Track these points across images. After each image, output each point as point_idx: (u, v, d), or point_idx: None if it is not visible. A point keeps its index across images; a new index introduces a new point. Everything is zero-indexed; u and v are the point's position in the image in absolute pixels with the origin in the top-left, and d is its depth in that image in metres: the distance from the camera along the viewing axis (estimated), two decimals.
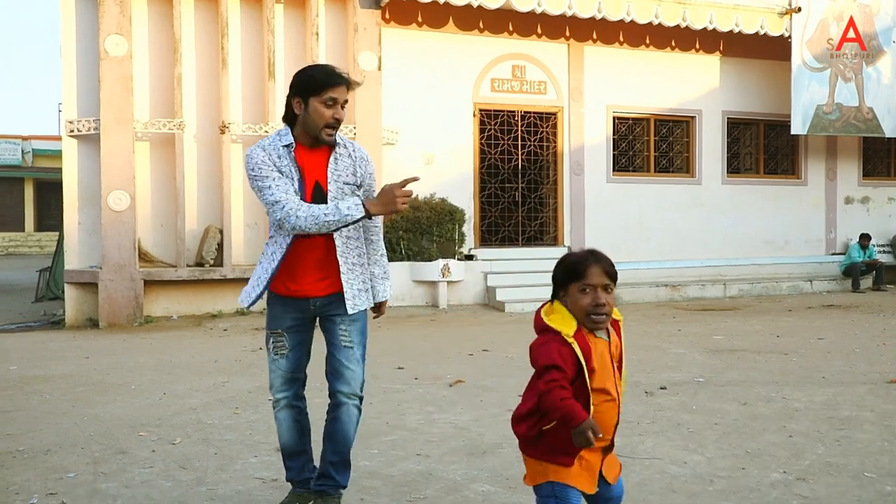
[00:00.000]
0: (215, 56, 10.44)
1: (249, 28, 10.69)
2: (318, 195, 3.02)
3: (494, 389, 5.58)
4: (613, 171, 12.84)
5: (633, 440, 4.23)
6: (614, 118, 12.86)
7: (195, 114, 10.48)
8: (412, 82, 11.57)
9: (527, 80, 12.26)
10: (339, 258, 3.05)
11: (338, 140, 3.06)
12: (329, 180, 3.03)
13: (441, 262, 10.90)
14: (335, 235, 3.03)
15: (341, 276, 3.06)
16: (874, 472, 3.60)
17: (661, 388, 5.52)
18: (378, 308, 3.29)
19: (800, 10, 12.65)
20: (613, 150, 12.87)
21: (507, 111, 12.22)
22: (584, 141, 12.56)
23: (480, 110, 12.06)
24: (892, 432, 4.28)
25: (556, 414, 2.18)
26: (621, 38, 12.61)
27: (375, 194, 3.10)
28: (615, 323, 2.38)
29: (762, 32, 12.50)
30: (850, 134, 13.63)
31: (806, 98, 12.91)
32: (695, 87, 13.25)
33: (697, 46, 13.07)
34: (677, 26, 12.10)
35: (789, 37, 12.66)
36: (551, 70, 12.38)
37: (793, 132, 13.05)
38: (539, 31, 12.17)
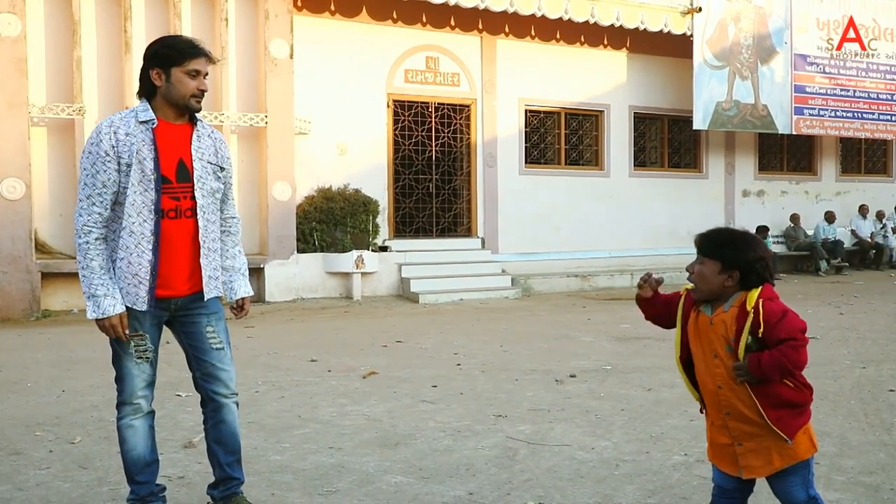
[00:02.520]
0: (118, 39, 10.02)
1: (155, 11, 10.30)
2: (182, 173, 2.87)
3: (408, 380, 5.60)
4: (525, 163, 13.04)
5: (543, 427, 4.32)
6: (526, 111, 13.06)
7: (97, 99, 10.04)
8: (325, 72, 11.42)
9: (440, 71, 12.30)
10: (200, 240, 2.91)
11: (199, 117, 2.99)
12: (193, 158, 2.90)
13: (355, 253, 10.83)
14: (199, 216, 2.90)
15: (200, 259, 2.91)
16: None
17: (571, 376, 5.67)
18: (241, 306, 3.17)
19: (700, 10, 13.15)
20: (525, 143, 13.07)
21: (421, 102, 12.23)
22: (497, 133, 12.70)
23: (394, 101, 12.03)
24: None
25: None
26: (533, 33, 12.80)
27: (230, 182, 3.10)
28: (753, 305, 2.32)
29: (666, 30, 12.93)
30: (746, 130, 14.29)
31: (706, 95, 13.45)
32: (603, 82, 13.60)
33: (605, 42, 13.41)
34: (586, 22, 12.38)
35: (691, 35, 13.15)
36: (464, 62, 12.45)
37: (695, 127, 13.58)
38: (452, 23, 12.22)
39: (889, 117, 15.55)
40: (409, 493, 3.32)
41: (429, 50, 12.23)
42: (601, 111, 13.64)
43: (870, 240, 15.52)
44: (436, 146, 12.38)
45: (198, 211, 2.90)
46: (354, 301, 10.74)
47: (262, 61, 10.59)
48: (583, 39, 13.23)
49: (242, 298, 3.17)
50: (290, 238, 10.71)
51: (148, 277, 2.85)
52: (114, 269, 2.85)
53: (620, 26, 12.64)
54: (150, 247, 2.84)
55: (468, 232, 12.64)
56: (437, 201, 12.47)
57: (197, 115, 2.97)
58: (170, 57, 2.84)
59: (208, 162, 2.95)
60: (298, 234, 10.89)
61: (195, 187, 2.89)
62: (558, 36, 13.04)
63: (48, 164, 9.92)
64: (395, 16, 11.83)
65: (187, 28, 10.36)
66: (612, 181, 13.76)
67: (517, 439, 4.09)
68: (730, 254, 2.34)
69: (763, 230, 14.09)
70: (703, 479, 3.41)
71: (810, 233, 15.06)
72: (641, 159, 14.34)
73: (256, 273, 10.73)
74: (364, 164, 11.75)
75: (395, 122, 12.08)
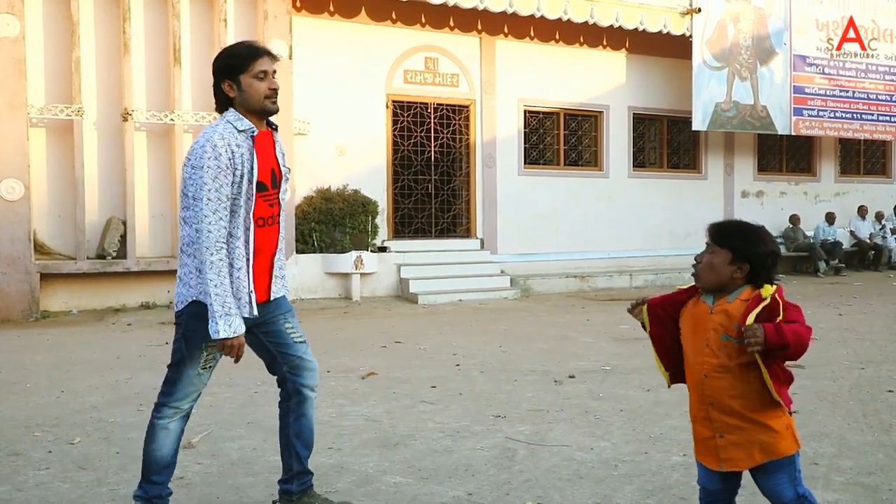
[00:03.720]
0: (117, 40, 10.01)
1: (153, 12, 10.30)
2: (273, 180, 2.94)
3: (407, 381, 5.60)
4: (525, 163, 13.04)
5: (542, 428, 4.32)
6: (525, 112, 13.06)
7: (95, 100, 10.03)
8: (324, 72, 11.42)
9: (439, 72, 12.30)
10: (278, 244, 3.04)
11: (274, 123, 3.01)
12: (280, 164, 3.00)
13: (354, 254, 10.82)
14: (282, 222, 3.02)
15: (276, 262, 3.02)
16: None
17: (570, 377, 5.67)
18: None
19: (699, 10, 13.15)
20: (524, 144, 13.07)
21: (420, 103, 12.23)
22: (496, 134, 12.70)
23: (393, 102, 12.03)
24: None
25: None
26: (532, 33, 12.80)
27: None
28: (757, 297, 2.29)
29: (665, 31, 12.94)
30: (745, 130, 14.30)
31: (706, 95, 13.46)
32: (602, 82, 13.60)
33: (605, 43, 13.41)
34: (585, 23, 12.38)
35: (690, 36, 13.15)
36: (464, 63, 12.46)
37: (694, 128, 13.58)
38: (451, 23, 12.22)
39: (888, 118, 15.56)
40: (409, 494, 3.32)
41: (428, 50, 12.23)
42: (600, 112, 13.64)
43: (869, 241, 15.52)
44: (435, 147, 12.38)
45: (282, 216, 3.02)
46: (353, 302, 10.73)
47: None
48: (582, 40, 13.23)
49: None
50: (290, 239, 10.70)
51: (250, 285, 2.88)
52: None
53: (620, 27, 12.64)
54: (251, 254, 2.88)
55: (467, 232, 12.64)
56: (436, 202, 12.46)
57: (272, 119, 2.99)
58: (235, 66, 2.87)
59: (284, 166, 3.04)
60: (297, 234, 10.89)
61: (280, 193, 2.98)
62: (557, 36, 13.04)
63: (47, 164, 9.92)
64: (394, 16, 11.83)
65: (186, 28, 10.36)
66: (612, 182, 13.76)
67: (516, 440, 4.09)
68: (741, 245, 2.33)
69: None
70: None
71: (809, 234, 15.07)
72: (640, 160, 14.34)
73: None
74: (363, 165, 11.75)
75: (395, 122, 12.08)
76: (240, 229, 2.82)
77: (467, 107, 12.56)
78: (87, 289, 9.97)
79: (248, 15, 10.69)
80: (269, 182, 2.92)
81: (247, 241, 2.84)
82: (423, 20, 12.00)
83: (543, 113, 13.31)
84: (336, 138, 11.58)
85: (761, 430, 2.30)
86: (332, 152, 11.56)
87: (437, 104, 12.34)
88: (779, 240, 15.08)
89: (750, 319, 2.22)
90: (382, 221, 11.82)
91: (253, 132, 2.86)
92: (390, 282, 11.36)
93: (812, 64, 14.54)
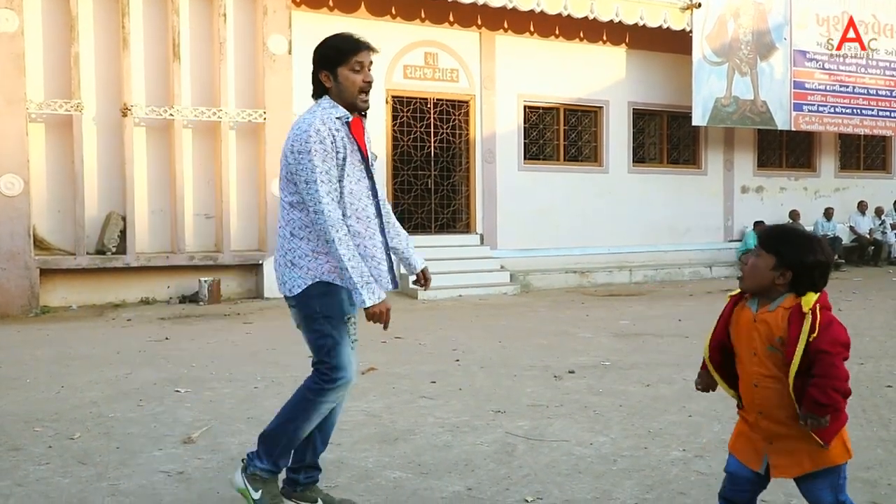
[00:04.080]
0: (116, 35, 10.00)
1: (152, 7, 10.28)
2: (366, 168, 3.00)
3: (407, 376, 5.60)
4: (524, 159, 13.03)
5: (541, 423, 4.33)
6: (525, 107, 13.04)
7: (94, 95, 10.02)
8: None
9: (439, 67, 12.28)
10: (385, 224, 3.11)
11: None
12: (368, 148, 3.03)
13: None
14: (380, 199, 3.08)
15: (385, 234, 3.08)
16: None
17: (570, 372, 5.67)
18: (426, 276, 3.43)
19: (700, 5, 13.13)
20: (524, 139, 13.06)
21: (420, 98, 12.22)
22: (496, 129, 12.69)
23: (393, 97, 12.01)
24: None
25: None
26: (532, 28, 12.78)
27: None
28: (796, 309, 2.27)
29: (665, 26, 12.92)
30: (745, 126, 14.29)
31: (706, 91, 13.44)
32: (602, 78, 13.58)
33: (605, 38, 13.39)
34: (585, 18, 12.36)
35: (690, 31, 13.13)
36: (463, 58, 12.44)
37: (694, 123, 13.57)
38: (451, 18, 12.20)
39: (888, 113, 15.54)
40: (409, 489, 3.32)
41: (427, 46, 12.21)
42: (600, 107, 13.63)
43: (868, 236, 15.52)
44: (434, 142, 12.37)
45: (379, 193, 3.04)
46: None
47: (261, 57, 10.57)
48: (582, 35, 13.21)
49: (424, 269, 3.34)
50: None
51: (384, 257, 3.00)
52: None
53: (619, 22, 12.63)
54: (378, 228, 2.99)
55: (467, 228, 12.64)
56: (435, 197, 12.46)
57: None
58: (333, 57, 2.90)
59: (371, 152, 3.08)
60: None
61: (372, 177, 3.04)
62: (557, 32, 13.01)
63: (46, 160, 9.91)
64: (393, 11, 11.82)
65: (185, 23, 10.34)
66: (611, 177, 13.75)
67: (516, 435, 4.10)
68: (787, 252, 2.30)
69: (760, 226, 14.09)
70: (701, 475, 3.42)
71: (809, 229, 15.04)
72: (640, 155, 14.33)
73: (255, 269, 10.73)
74: None
75: (394, 117, 12.07)
76: (355, 205, 2.91)
77: (467, 102, 12.54)
78: (87, 284, 9.97)
79: (247, 10, 10.67)
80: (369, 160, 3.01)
81: (369, 216, 2.95)
82: (423, 15, 11.98)
83: (543, 108, 13.30)
84: None
85: (811, 439, 2.27)
86: None
87: (437, 99, 12.32)
88: None
89: (796, 359, 2.20)
90: None
91: (347, 118, 2.92)
92: None
93: (812, 59, 14.53)
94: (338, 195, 2.86)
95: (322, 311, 2.93)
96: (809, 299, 2.25)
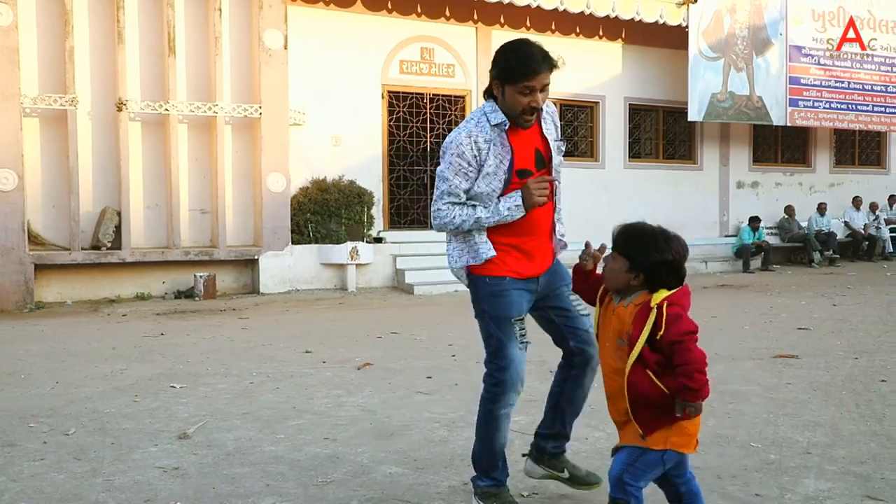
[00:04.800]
0: (111, 30, 9.97)
1: (147, 1, 10.25)
2: (539, 161, 2.94)
3: (403, 371, 5.61)
4: None
5: (537, 418, 4.31)
6: None
7: (89, 90, 9.99)
8: (320, 63, 11.39)
9: (435, 62, 12.26)
10: (555, 220, 3.08)
11: None
12: (551, 141, 2.99)
13: (349, 244, 10.82)
14: (555, 197, 3.00)
15: (554, 237, 3.06)
16: (759, 442, 3.82)
17: None
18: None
19: (696, 0, 13.13)
20: None
21: (416, 93, 12.21)
22: None
23: (389, 92, 12.00)
24: (776, 405, 4.55)
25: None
26: (528, 23, 12.77)
27: (559, 141, 3.08)
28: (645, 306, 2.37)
29: (661, 21, 12.92)
30: (741, 121, 14.30)
31: (701, 86, 13.45)
32: (598, 73, 13.58)
33: (601, 33, 13.39)
34: (582, 13, 12.36)
35: (686, 27, 13.13)
36: (459, 53, 12.42)
37: (689, 119, 13.58)
38: (447, 13, 12.18)
39: (883, 109, 15.57)
40: (404, 484, 3.33)
41: (424, 41, 12.19)
42: (596, 102, 13.63)
43: (863, 231, 15.56)
44: (431, 137, 12.36)
45: (557, 193, 3.01)
46: (349, 292, 10.73)
47: (257, 52, 10.55)
48: (578, 30, 13.20)
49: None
50: (285, 229, 10.69)
51: (518, 259, 2.97)
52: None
53: (616, 17, 12.62)
54: (512, 231, 2.93)
55: None
56: (431, 193, 12.44)
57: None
58: (505, 74, 2.83)
59: (554, 140, 3.02)
60: (293, 225, 10.88)
61: (554, 171, 3.00)
62: (553, 27, 13.00)
63: (41, 155, 9.88)
64: (389, 6, 11.79)
65: (181, 17, 10.31)
66: (607, 172, 13.76)
67: (511, 430, 4.09)
68: (636, 255, 2.39)
69: (755, 221, 14.11)
70: (696, 468, 3.42)
71: (804, 224, 15.10)
72: (636, 151, 14.34)
73: (251, 264, 10.72)
74: (359, 156, 11.73)
75: (390, 113, 12.05)
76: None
77: (463, 97, 12.53)
78: (82, 280, 9.95)
79: (243, 4, 10.64)
80: (534, 165, 2.93)
81: (512, 228, 2.92)
82: (419, 10, 11.96)
83: None
84: (332, 129, 11.56)
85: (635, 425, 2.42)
86: (328, 143, 11.54)
87: (433, 95, 12.31)
88: (774, 231, 15.11)
89: (635, 353, 2.31)
90: (378, 212, 11.81)
91: (506, 125, 2.86)
92: (386, 273, 11.36)
93: (808, 55, 14.54)
94: (457, 199, 2.92)
95: (489, 310, 2.98)
96: (658, 296, 2.34)
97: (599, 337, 2.57)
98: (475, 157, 2.84)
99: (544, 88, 2.83)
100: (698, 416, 2.41)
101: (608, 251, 2.60)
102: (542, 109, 2.89)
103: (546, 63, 2.82)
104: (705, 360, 2.33)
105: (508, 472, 3.07)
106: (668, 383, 2.32)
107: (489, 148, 2.85)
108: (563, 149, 3.13)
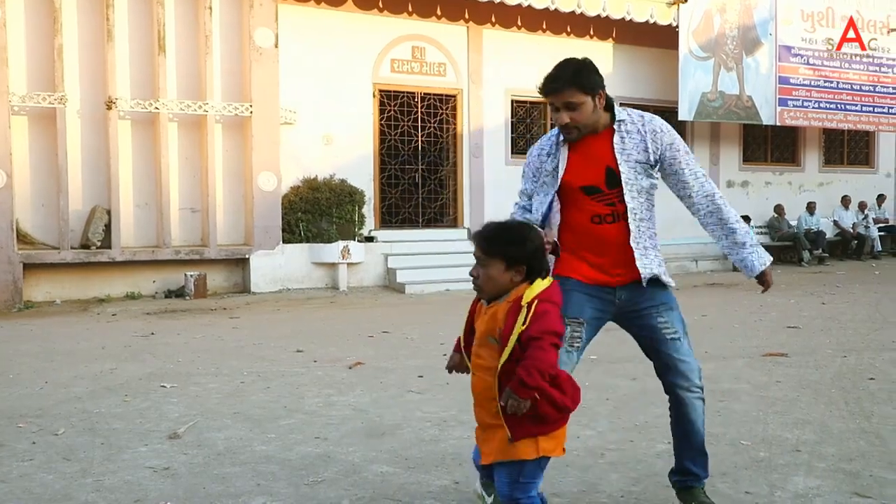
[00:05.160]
0: (100, 27, 9.91)
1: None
2: (611, 180, 2.87)
3: (394, 371, 5.60)
4: (512, 153, 13.04)
5: None
6: (512, 101, 13.04)
7: (78, 88, 9.94)
8: (311, 61, 11.36)
9: (427, 61, 12.26)
10: (632, 244, 2.89)
11: (622, 116, 2.93)
12: (619, 162, 2.88)
13: (341, 243, 10.80)
14: (630, 219, 2.88)
15: (636, 262, 2.89)
16: (749, 440, 3.84)
17: None
18: (763, 280, 3.06)
19: (686, 0, 13.16)
20: (512, 133, 13.06)
21: (407, 92, 12.20)
22: (484, 123, 12.69)
23: (380, 91, 11.98)
24: (766, 403, 4.57)
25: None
26: (519, 23, 12.78)
27: (682, 166, 2.94)
28: (517, 302, 2.37)
29: (652, 21, 12.95)
30: (731, 121, 14.35)
31: (692, 86, 13.49)
32: None
33: (592, 33, 13.41)
34: (573, 12, 12.38)
35: (677, 26, 13.17)
36: (451, 52, 12.42)
37: (680, 118, 13.61)
38: (438, 12, 12.18)
39: (871, 108, 15.66)
40: (395, 483, 3.32)
41: (415, 39, 12.18)
42: None
43: (852, 230, 15.65)
44: (422, 136, 12.35)
45: (628, 214, 2.88)
46: (340, 291, 10.72)
47: (247, 50, 10.51)
48: (569, 30, 13.22)
49: (762, 270, 3.03)
50: (276, 228, 10.67)
51: (588, 266, 2.95)
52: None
53: (607, 17, 12.65)
54: (580, 244, 2.93)
55: (454, 222, 12.64)
56: (423, 192, 12.45)
57: (617, 113, 2.93)
58: (542, 90, 2.94)
59: (636, 161, 2.90)
60: (284, 224, 10.85)
61: (624, 191, 2.87)
62: (545, 26, 13.02)
63: (30, 153, 9.82)
64: (380, 5, 11.77)
65: (171, 15, 10.26)
66: None
67: None
68: (514, 251, 2.37)
69: (745, 220, 14.14)
70: None
71: (794, 223, 15.17)
72: None
73: (241, 264, 10.69)
74: (350, 155, 11.71)
75: (381, 112, 12.04)
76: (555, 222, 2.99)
77: (454, 96, 12.53)
78: (71, 279, 9.90)
79: (233, 3, 10.61)
80: (604, 184, 2.88)
81: (578, 241, 2.93)
82: (410, 9, 11.95)
83: (530, 102, 13.30)
84: (323, 128, 11.53)
85: (504, 431, 2.36)
86: (319, 142, 11.51)
87: (424, 93, 12.30)
88: (763, 230, 15.18)
89: (507, 350, 2.30)
90: (369, 211, 11.79)
91: (563, 138, 2.95)
92: (377, 272, 11.35)
93: (797, 54, 14.61)
94: (526, 202, 3.11)
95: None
96: (535, 289, 2.34)
97: (474, 339, 2.49)
98: (535, 164, 3.04)
99: (570, 107, 2.84)
100: (565, 422, 2.41)
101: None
102: (575, 127, 2.87)
103: (563, 83, 2.85)
104: (554, 366, 2.29)
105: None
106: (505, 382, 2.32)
107: (549, 159, 2.99)
108: (671, 164, 2.95)
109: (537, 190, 3.03)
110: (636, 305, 2.96)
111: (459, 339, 2.65)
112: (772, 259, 3.04)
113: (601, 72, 3.03)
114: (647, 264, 2.90)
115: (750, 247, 3.05)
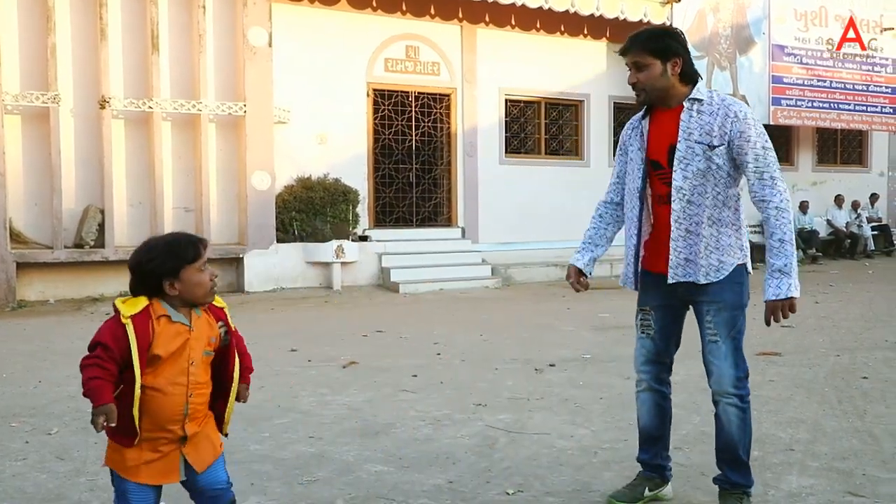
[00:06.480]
0: (93, 26, 9.87)
1: None
2: (672, 156, 2.86)
3: (388, 370, 5.60)
4: (505, 152, 13.05)
5: (522, 416, 4.35)
6: (506, 100, 13.05)
7: (72, 87, 9.89)
8: (305, 60, 11.34)
9: (420, 60, 12.25)
10: (673, 223, 2.85)
11: (700, 96, 2.86)
12: (679, 139, 2.84)
13: (335, 242, 10.79)
14: (675, 199, 2.84)
15: (670, 243, 2.84)
16: None
17: (551, 365, 5.70)
18: (772, 310, 2.76)
19: (679, 0, 13.20)
20: (505, 133, 13.07)
21: (401, 91, 12.19)
22: (477, 123, 12.69)
23: (374, 90, 11.97)
24: (759, 402, 4.58)
25: (84, 391, 2.19)
26: (513, 22, 12.78)
27: (747, 159, 2.87)
28: (214, 308, 2.37)
29: (645, 20, 12.95)
30: None
31: None
32: (583, 71, 13.61)
33: (585, 32, 13.42)
34: (566, 11, 12.38)
35: (670, 25, 13.17)
36: (444, 51, 12.42)
37: None
38: (432, 11, 12.17)
39: (864, 108, 15.72)
40: (389, 482, 3.33)
41: (409, 39, 12.17)
42: (581, 101, 13.66)
43: (845, 229, 15.71)
44: (416, 136, 12.35)
45: (673, 193, 2.84)
46: (334, 291, 10.71)
47: (241, 49, 10.49)
48: (563, 29, 13.23)
49: (771, 301, 2.75)
50: (270, 228, 10.65)
51: (632, 260, 3.04)
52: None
53: (600, 16, 12.66)
54: (635, 231, 3.00)
55: (448, 222, 12.64)
56: (417, 191, 12.45)
57: (693, 91, 2.87)
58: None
59: (696, 141, 2.83)
60: (278, 223, 10.83)
61: (674, 169, 2.84)
62: (538, 25, 13.03)
63: (23, 152, 9.78)
64: (374, 4, 11.76)
65: (164, 14, 10.23)
66: (592, 171, 13.79)
67: (497, 428, 4.11)
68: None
69: None
70: (681, 466, 3.45)
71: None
72: None
73: (235, 263, 10.67)
74: (344, 154, 11.70)
75: (375, 111, 12.03)
76: (626, 205, 3.07)
77: (448, 95, 12.53)
78: (65, 278, 9.86)
79: (227, 2, 10.58)
80: (665, 160, 2.89)
81: (632, 217, 3.01)
82: (404, 8, 11.94)
83: (524, 102, 13.31)
84: (317, 127, 11.51)
85: (214, 432, 2.39)
86: (313, 141, 11.50)
87: (418, 93, 12.30)
88: (757, 229, 15.19)
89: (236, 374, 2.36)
90: (363, 210, 11.78)
91: (648, 112, 2.98)
92: (371, 271, 11.34)
93: (790, 54, 14.66)
94: (615, 189, 3.18)
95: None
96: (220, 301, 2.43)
97: (162, 369, 2.23)
98: (624, 141, 3.08)
99: (637, 66, 2.88)
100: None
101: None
102: (642, 89, 2.89)
103: (633, 43, 2.89)
104: (84, 364, 2.23)
105: (653, 463, 3.09)
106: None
107: (634, 133, 3.03)
108: (738, 155, 2.87)
109: (628, 167, 3.04)
110: (692, 297, 2.93)
111: (101, 384, 2.24)
112: (794, 295, 2.71)
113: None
114: (696, 260, 2.81)
115: (775, 272, 2.75)
